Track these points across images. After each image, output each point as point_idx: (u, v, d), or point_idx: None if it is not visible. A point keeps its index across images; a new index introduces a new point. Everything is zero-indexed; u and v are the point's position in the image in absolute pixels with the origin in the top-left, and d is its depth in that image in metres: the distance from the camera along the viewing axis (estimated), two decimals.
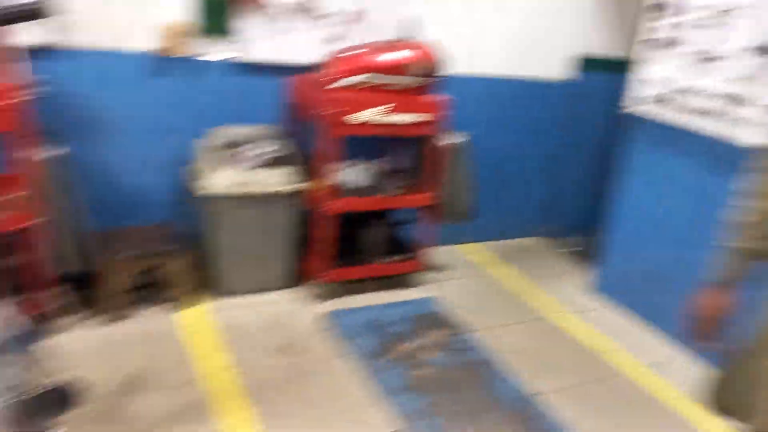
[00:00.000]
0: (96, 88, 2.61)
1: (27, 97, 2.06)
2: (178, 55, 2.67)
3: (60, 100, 2.49)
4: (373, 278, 3.19)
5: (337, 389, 2.43)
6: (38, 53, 2.39)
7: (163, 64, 2.68)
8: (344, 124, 2.62)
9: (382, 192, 2.97)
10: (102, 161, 2.74)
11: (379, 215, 3.22)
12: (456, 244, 3.86)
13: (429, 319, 2.98)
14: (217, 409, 2.23)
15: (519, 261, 3.80)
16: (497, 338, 2.90)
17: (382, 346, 2.71)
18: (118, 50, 2.59)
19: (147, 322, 2.69)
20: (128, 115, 2.72)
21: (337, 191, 2.82)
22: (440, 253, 3.63)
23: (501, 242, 4.04)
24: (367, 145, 3.15)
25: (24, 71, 2.16)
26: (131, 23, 2.57)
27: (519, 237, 4.13)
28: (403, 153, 3.25)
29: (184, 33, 2.64)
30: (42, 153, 2.21)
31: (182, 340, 2.60)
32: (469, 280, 3.49)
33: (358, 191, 2.93)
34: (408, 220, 3.35)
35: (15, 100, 2.01)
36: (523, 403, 2.43)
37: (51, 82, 2.35)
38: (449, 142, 2.97)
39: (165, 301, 2.80)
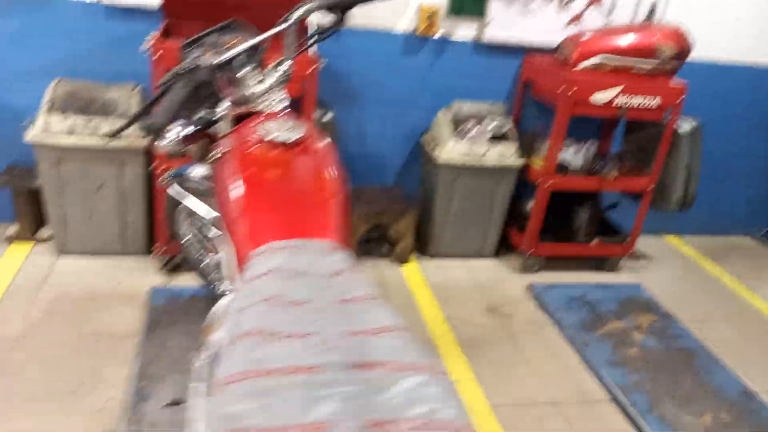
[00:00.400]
0: (359, 63, 2.96)
1: (316, 69, 2.43)
2: (430, 35, 2.93)
3: (329, 72, 2.87)
4: (576, 257, 3.27)
5: (547, 353, 2.58)
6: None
7: (415, 43, 2.97)
8: (580, 105, 2.71)
9: (600, 174, 3.02)
10: (353, 127, 3.11)
11: (588, 196, 3.27)
12: (661, 233, 3.79)
13: (637, 303, 3.01)
14: (440, 354, 2.49)
15: (728, 258, 3.64)
16: (708, 331, 2.85)
17: (591, 321, 2.80)
18: (382, 30, 2.92)
19: (377, 271, 3.04)
20: (380, 87, 3.04)
21: (557, 169, 2.93)
22: (645, 242, 3.60)
23: (709, 237, 3.88)
24: (585, 125, 3.21)
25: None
26: (396, 5, 2.87)
27: (728, 234, 3.93)
28: (624, 136, 3.27)
29: (438, 15, 2.90)
30: (318, 116, 2.59)
31: (408, 290, 2.91)
32: (677, 272, 3.43)
33: (576, 171, 3.02)
34: (616, 204, 3.36)
35: (310, 71, 2.40)
36: (744, 397, 2.40)
37: (328, 56, 2.73)
38: (678, 128, 2.94)
39: (388, 255, 3.13)
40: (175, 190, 2.09)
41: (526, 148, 3.04)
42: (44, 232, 2.75)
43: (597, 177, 3.01)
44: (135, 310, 2.41)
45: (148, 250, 2.78)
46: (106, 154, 2.49)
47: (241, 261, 1.16)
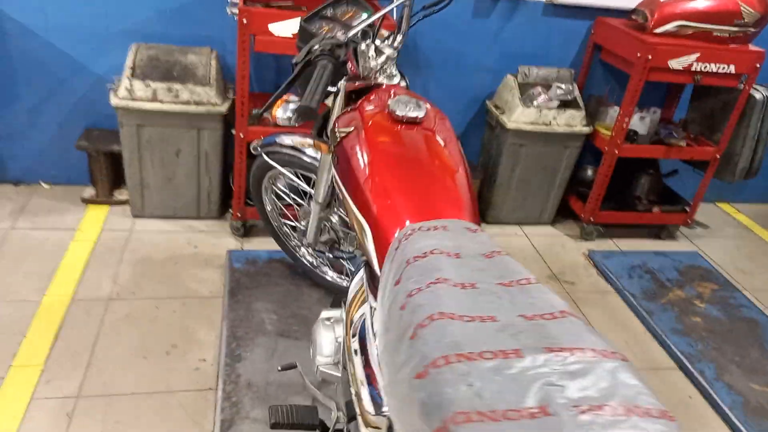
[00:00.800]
0: (425, 25, 2.91)
1: None
2: None
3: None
4: (634, 225, 3.28)
5: (612, 321, 2.62)
6: None
7: (485, 5, 2.91)
8: (657, 70, 2.67)
9: (668, 141, 2.99)
10: (416, 90, 3.10)
11: (648, 163, 3.25)
12: (715, 201, 3.77)
13: (697, 271, 3.02)
14: None
15: None
16: None
17: (653, 290, 2.83)
18: None
19: None
20: (446, 50, 3.00)
21: (624, 136, 2.91)
22: (699, 209, 3.58)
23: (763, 205, 3.85)
24: (649, 91, 3.16)
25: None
26: None
27: None
28: (691, 103, 3.22)
29: None
30: None
31: None
32: (734, 240, 3.43)
33: (643, 138, 2.99)
34: (675, 172, 3.34)
35: None
36: None
37: None
38: (751, 95, 2.88)
39: None
40: (266, 157, 2.12)
41: (591, 114, 3.02)
42: (120, 195, 2.82)
43: (665, 145, 2.98)
44: (215, 273, 2.49)
45: (220, 215, 2.84)
46: (185, 119, 2.52)
47: (382, 241, 1.19)
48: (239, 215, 2.68)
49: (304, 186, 2.17)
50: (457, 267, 1.02)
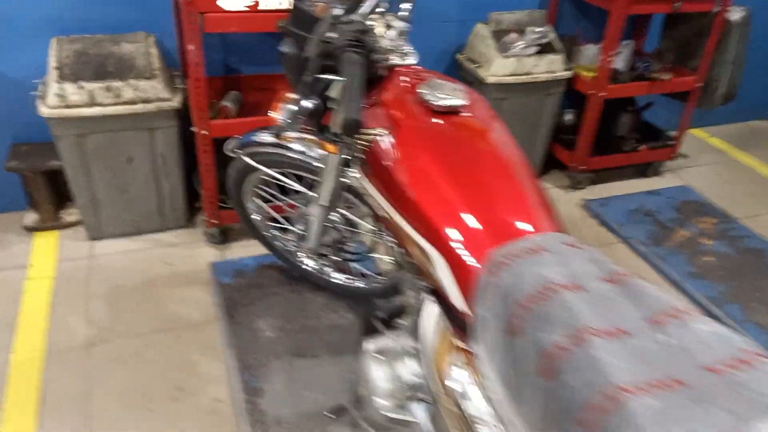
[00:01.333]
0: None
1: None
2: None
3: None
4: (621, 166, 3.17)
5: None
6: None
7: None
8: (636, 2, 2.50)
9: (650, 76, 2.86)
10: None
11: (627, 100, 3.12)
12: (690, 128, 3.72)
13: (693, 207, 2.96)
14: None
15: (758, 146, 3.63)
16: (765, 225, 2.85)
17: (657, 233, 2.74)
18: None
19: None
20: None
21: (609, 76, 2.74)
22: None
23: (730, 126, 3.85)
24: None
25: None
26: None
27: (746, 120, 3.91)
28: (664, 31, 3.08)
29: None
30: None
31: None
32: (716, 167, 3.39)
33: (624, 75, 2.84)
34: (651, 104, 3.23)
35: None
36: None
37: None
38: (727, 18, 2.77)
39: None
40: (248, 160, 1.82)
41: (571, 58, 2.84)
42: (68, 216, 2.43)
43: (648, 80, 2.85)
44: (202, 292, 2.19)
45: (188, 222, 2.51)
46: (132, 121, 2.16)
47: (463, 271, 0.96)
48: (215, 222, 2.36)
49: (296, 186, 1.89)
50: (590, 306, 0.80)
